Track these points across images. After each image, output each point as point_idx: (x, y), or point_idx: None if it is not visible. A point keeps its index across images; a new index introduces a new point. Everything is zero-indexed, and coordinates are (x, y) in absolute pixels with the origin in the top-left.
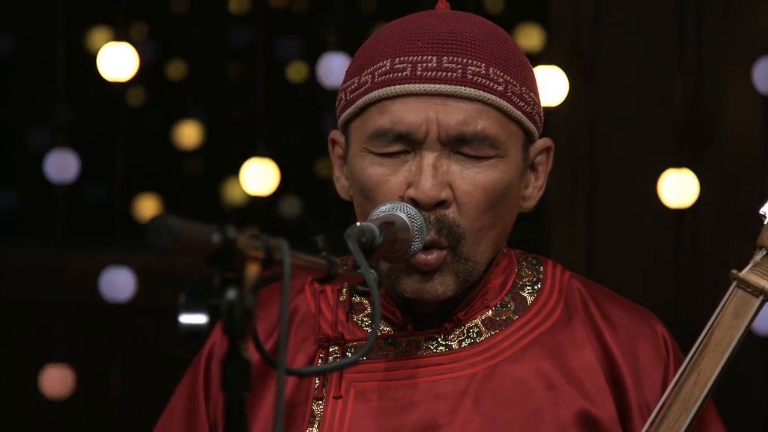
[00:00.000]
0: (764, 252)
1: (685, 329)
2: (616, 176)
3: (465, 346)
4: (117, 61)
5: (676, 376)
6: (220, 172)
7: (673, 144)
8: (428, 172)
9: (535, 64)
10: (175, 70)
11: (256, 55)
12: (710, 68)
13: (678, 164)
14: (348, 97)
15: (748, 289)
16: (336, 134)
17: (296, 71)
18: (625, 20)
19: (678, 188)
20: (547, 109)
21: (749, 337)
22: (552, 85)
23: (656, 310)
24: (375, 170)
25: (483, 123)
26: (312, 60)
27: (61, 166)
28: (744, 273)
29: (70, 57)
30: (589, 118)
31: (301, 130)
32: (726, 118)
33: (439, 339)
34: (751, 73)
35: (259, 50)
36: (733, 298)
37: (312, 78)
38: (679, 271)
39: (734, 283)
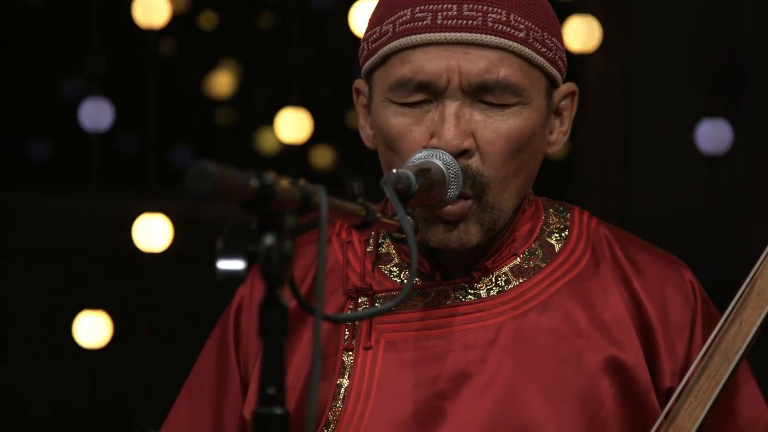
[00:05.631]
0: None
1: (720, 279)
2: (650, 125)
3: (493, 295)
4: (151, 9)
5: (718, 326)
6: (253, 121)
7: (707, 92)
8: (451, 121)
9: (569, 13)
10: (208, 20)
11: (290, 4)
12: (746, 15)
13: (713, 112)
14: (370, 47)
15: None
16: (360, 83)
17: (328, 20)
18: None
19: (713, 136)
20: (582, 58)
21: None
22: (586, 34)
23: (690, 260)
24: (398, 120)
25: (505, 70)
26: (345, 9)
27: (95, 114)
28: None
29: (104, 5)
30: (623, 66)
31: (333, 80)
32: (762, 65)
33: (468, 288)
34: None
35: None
36: None
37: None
38: (714, 220)
39: None
